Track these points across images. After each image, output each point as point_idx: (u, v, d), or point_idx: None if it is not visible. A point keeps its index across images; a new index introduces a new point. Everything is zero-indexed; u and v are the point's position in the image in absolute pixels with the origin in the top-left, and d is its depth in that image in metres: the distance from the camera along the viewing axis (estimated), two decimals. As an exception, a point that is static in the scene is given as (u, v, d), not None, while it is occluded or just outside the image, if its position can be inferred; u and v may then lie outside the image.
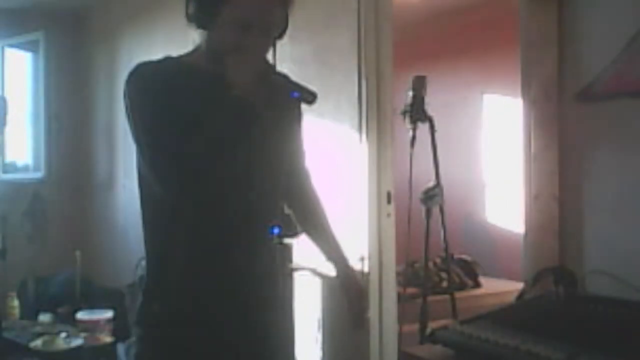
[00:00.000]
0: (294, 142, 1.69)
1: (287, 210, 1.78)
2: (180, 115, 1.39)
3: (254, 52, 1.45)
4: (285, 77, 1.59)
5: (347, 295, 1.75)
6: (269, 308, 1.59)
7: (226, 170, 1.44)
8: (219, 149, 1.40)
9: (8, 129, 4.82)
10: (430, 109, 2.92)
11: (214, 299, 1.49)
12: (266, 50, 1.51)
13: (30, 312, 4.26)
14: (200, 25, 1.46)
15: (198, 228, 1.48)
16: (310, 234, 1.81)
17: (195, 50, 1.53)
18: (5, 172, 5.22)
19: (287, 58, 3.58)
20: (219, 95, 1.40)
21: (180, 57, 1.54)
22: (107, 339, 3.64)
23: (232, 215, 1.49)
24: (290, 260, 3.30)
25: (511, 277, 4.10)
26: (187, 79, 1.45)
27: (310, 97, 1.52)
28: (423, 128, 2.93)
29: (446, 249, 3.11)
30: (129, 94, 1.45)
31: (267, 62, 1.52)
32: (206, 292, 1.49)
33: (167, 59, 1.52)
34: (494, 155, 5.07)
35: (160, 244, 1.52)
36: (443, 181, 2.95)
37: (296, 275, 3.32)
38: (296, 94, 1.51)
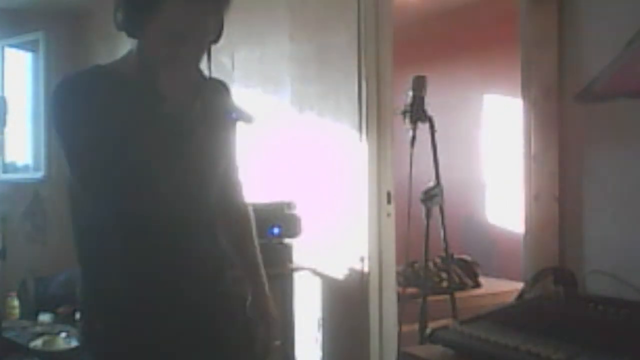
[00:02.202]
0: (227, 155, 1.62)
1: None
2: (111, 132, 1.35)
3: (187, 62, 1.40)
4: (223, 86, 1.56)
5: (259, 323, 1.64)
6: (215, 316, 1.53)
7: (158, 186, 1.40)
8: (150, 167, 1.37)
9: (8, 129, 4.81)
10: (430, 109, 2.91)
11: (155, 312, 1.45)
12: (199, 60, 1.44)
13: (30, 312, 4.26)
14: (130, 34, 1.40)
15: (132, 244, 1.43)
16: (233, 246, 1.66)
17: (127, 56, 1.48)
18: (5, 172, 5.22)
19: (287, 58, 3.58)
20: (150, 109, 1.37)
21: (110, 65, 1.49)
22: (107, 339, 3.63)
23: (167, 228, 1.44)
24: (291, 261, 3.31)
25: (511, 277, 4.10)
26: (118, 92, 1.39)
27: (247, 119, 1.46)
28: (423, 128, 2.92)
29: (446, 249, 3.10)
30: (56, 109, 1.41)
31: (200, 72, 1.46)
32: (145, 306, 1.44)
33: (96, 68, 1.47)
34: (494, 155, 5.07)
35: (95, 261, 1.47)
36: (443, 181, 2.94)
37: (296, 275, 3.32)
38: (233, 116, 1.47)
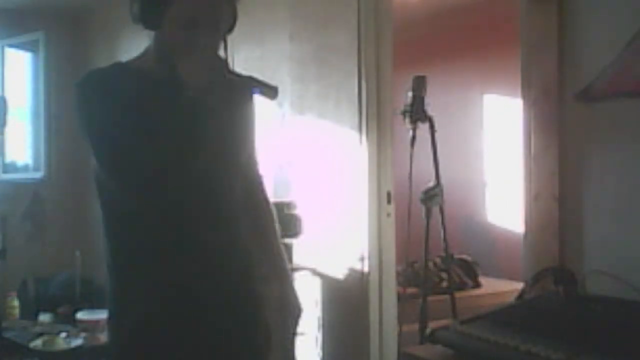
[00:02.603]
0: (249, 142, 1.63)
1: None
2: (134, 124, 1.38)
3: (204, 50, 1.43)
4: (244, 76, 1.56)
5: (283, 311, 1.64)
6: (236, 314, 1.54)
7: (183, 172, 1.42)
8: (175, 155, 1.39)
9: (8, 129, 4.81)
10: (430, 109, 2.91)
11: (180, 306, 1.46)
12: (217, 47, 1.47)
13: (30, 312, 4.25)
14: (147, 25, 1.43)
15: (158, 233, 1.45)
16: (257, 241, 1.66)
17: (145, 52, 1.51)
18: (5, 172, 5.22)
19: (287, 58, 3.59)
20: (172, 96, 1.39)
21: (130, 62, 1.52)
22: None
23: (191, 215, 1.46)
24: (290, 261, 3.31)
25: (511, 277, 4.10)
26: (138, 84, 1.43)
27: (271, 93, 1.48)
28: (423, 128, 2.93)
29: (446, 249, 3.11)
30: (81, 102, 1.43)
31: (219, 58, 1.48)
32: (171, 297, 1.46)
33: (116, 65, 1.51)
34: (494, 155, 5.07)
35: (122, 252, 1.49)
36: (443, 181, 2.95)
37: (296, 275, 3.32)
38: (257, 90, 1.48)
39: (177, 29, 1.40)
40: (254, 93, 1.49)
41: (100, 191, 1.49)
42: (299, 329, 1.68)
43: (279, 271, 1.66)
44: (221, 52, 1.49)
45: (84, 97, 1.43)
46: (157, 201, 1.43)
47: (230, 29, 1.49)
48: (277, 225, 1.70)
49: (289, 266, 1.70)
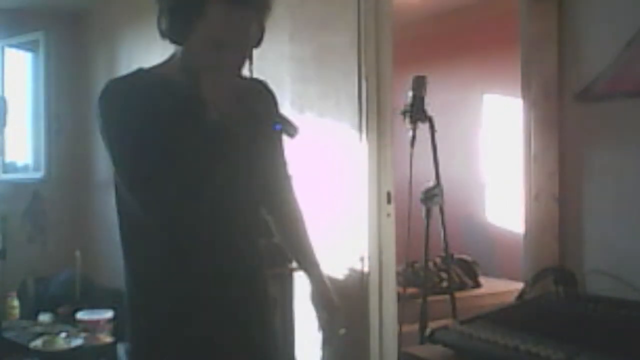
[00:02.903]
0: (272, 155, 1.65)
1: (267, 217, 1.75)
2: (156, 136, 1.38)
3: (229, 69, 1.43)
4: (266, 89, 1.61)
5: (322, 312, 1.68)
6: (253, 317, 1.58)
7: (203, 191, 1.43)
8: (193, 173, 1.40)
9: (8, 129, 4.82)
10: (430, 109, 2.91)
11: (197, 312, 1.49)
12: (242, 66, 1.47)
13: (30, 312, 4.26)
14: (174, 41, 1.42)
15: (177, 246, 1.47)
16: (287, 243, 1.74)
17: (171, 58, 1.50)
18: (5, 172, 5.22)
19: (287, 58, 3.58)
20: (194, 115, 1.40)
21: (154, 69, 1.51)
22: (107, 339, 3.64)
23: (211, 232, 1.49)
24: (291, 261, 3.31)
25: (511, 277, 4.10)
26: (162, 97, 1.41)
27: (292, 131, 1.50)
28: (423, 128, 2.92)
29: (446, 249, 3.11)
30: (103, 115, 1.43)
31: (242, 77, 1.50)
32: (188, 307, 1.48)
33: (140, 72, 1.49)
34: (494, 155, 5.07)
35: (139, 261, 1.51)
36: (443, 181, 2.95)
37: (296, 275, 3.32)
38: (278, 127, 1.49)
39: (204, 48, 1.39)
40: (275, 128, 1.50)
41: (119, 200, 1.51)
42: (340, 326, 1.70)
43: (315, 271, 1.71)
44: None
45: (106, 108, 1.43)
46: (174, 213, 1.44)
47: (257, 44, 1.49)
48: (305, 224, 1.74)
49: (319, 263, 1.73)
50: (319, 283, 1.70)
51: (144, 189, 1.42)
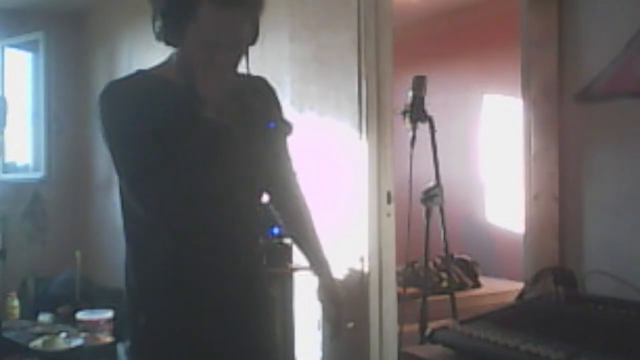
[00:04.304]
0: (272, 151, 1.65)
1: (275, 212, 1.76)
2: (156, 138, 1.39)
3: (224, 68, 1.45)
4: (266, 85, 1.62)
5: (328, 306, 1.68)
6: (252, 315, 1.59)
7: (202, 190, 1.45)
8: (192, 172, 1.42)
9: (8, 129, 4.82)
10: (430, 109, 2.91)
11: (197, 310, 1.50)
12: (237, 65, 1.49)
13: (30, 312, 4.26)
14: (168, 43, 1.44)
15: (178, 245, 1.48)
16: (295, 238, 1.78)
17: (169, 60, 1.52)
18: (5, 172, 5.22)
19: (287, 58, 3.58)
20: (191, 114, 1.41)
21: (152, 71, 1.53)
22: (107, 339, 3.64)
23: (211, 231, 1.50)
24: (290, 260, 3.31)
25: (511, 277, 4.10)
26: (160, 97, 1.44)
27: (286, 128, 1.52)
28: (423, 128, 2.93)
29: (446, 249, 3.11)
30: (103, 116, 1.45)
31: (238, 75, 1.51)
32: (189, 305, 1.50)
33: (139, 74, 1.51)
34: (494, 155, 5.07)
35: (142, 260, 1.53)
36: (443, 181, 2.95)
37: (296, 275, 3.32)
38: (272, 125, 1.51)
39: (198, 48, 1.41)
40: (269, 126, 1.52)
41: (122, 200, 1.53)
42: (347, 320, 1.72)
43: (321, 264, 1.72)
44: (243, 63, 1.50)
45: (106, 108, 1.45)
46: (174, 212, 1.45)
47: (252, 42, 1.50)
48: (312, 219, 1.75)
49: (326, 257, 1.74)
50: (327, 279, 1.71)
51: (143, 188, 1.43)
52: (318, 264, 1.72)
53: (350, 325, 1.70)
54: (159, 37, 1.44)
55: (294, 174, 1.75)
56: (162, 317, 1.51)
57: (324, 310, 1.69)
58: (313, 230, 1.74)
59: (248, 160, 1.54)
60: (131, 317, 1.56)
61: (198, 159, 1.43)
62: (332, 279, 1.72)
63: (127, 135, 1.42)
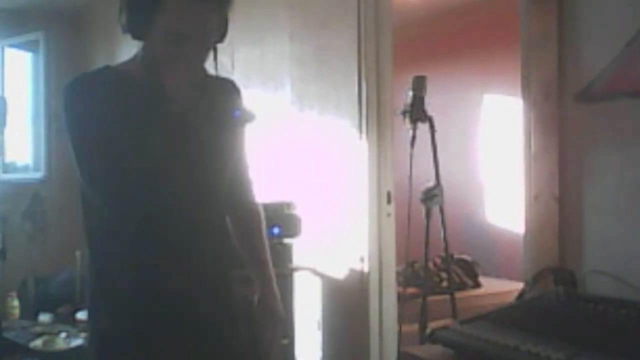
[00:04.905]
0: (235, 154, 1.63)
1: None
2: (118, 132, 1.38)
3: (191, 62, 1.42)
4: (232, 86, 1.59)
5: (262, 317, 1.62)
6: (218, 317, 1.54)
7: (166, 187, 1.43)
8: (157, 167, 1.40)
9: (8, 129, 4.82)
10: (430, 109, 2.91)
11: (159, 312, 1.47)
12: (204, 59, 1.47)
13: (30, 312, 4.26)
14: (135, 36, 1.43)
15: (138, 245, 1.45)
16: (241, 245, 1.67)
17: (134, 58, 1.51)
18: (5, 172, 5.22)
19: (287, 58, 3.59)
20: (157, 109, 1.40)
21: (120, 66, 1.52)
22: (107, 339, 3.63)
23: (174, 229, 1.47)
24: (290, 260, 3.31)
25: (511, 277, 4.10)
26: (126, 92, 1.43)
27: (249, 118, 1.49)
28: (423, 128, 2.92)
29: (446, 249, 3.10)
30: (66, 106, 1.43)
31: (204, 71, 1.48)
32: (152, 306, 1.46)
33: (106, 69, 1.50)
34: (494, 155, 5.07)
35: (104, 260, 1.50)
36: (443, 181, 2.95)
37: (296, 275, 3.32)
38: (237, 113, 1.49)
39: (164, 41, 1.39)
40: (234, 115, 1.49)
41: (82, 196, 1.51)
42: (282, 335, 1.67)
43: (262, 277, 1.66)
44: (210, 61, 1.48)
45: (70, 100, 1.43)
46: (138, 209, 1.42)
47: (220, 40, 1.48)
48: (263, 228, 1.70)
49: (273, 272, 1.68)
50: (267, 292, 1.65)
51: (104, 184, 1.42)
52: (261, 276, 1.66)
53: (284, 342, 1.66)
54: (125, 30, 1.42)
55: (248, 181, 1.70)
56: (120, 318, 1.47)
57: (260, 324, 1.62)
58: (261, 240, 1.68)
59: (214, 157, 1.52)
60: (92, 322, 1.53)
61: (161, 154, 1.41)
62: (273, 294, 1.66)
63: (88, 128, 1.40)
